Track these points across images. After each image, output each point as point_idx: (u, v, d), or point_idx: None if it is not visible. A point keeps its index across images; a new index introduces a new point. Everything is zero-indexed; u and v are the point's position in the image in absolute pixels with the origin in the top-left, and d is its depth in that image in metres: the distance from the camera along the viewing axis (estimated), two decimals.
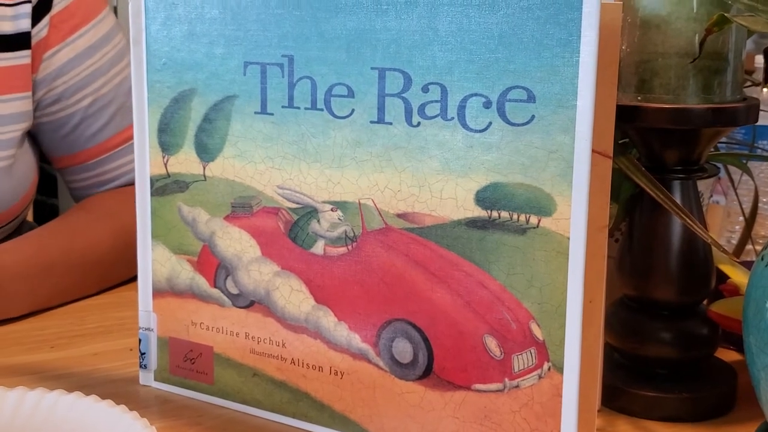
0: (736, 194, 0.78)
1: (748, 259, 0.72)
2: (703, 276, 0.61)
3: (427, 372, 0.53)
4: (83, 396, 0.51)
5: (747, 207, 0.71)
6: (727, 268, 0.69)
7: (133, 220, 0.83)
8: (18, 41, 0.83)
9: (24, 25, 0.83)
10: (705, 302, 0.63)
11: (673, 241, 0.60)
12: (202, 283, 0.60)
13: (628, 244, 0.62)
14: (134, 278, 0.84)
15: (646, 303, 0.61)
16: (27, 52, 0.84)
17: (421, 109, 0.51)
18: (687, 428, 0.59)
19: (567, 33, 0.47)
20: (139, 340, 0.63)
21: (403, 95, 0.51)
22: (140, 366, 0.63)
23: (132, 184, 0.92)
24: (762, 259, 0.50)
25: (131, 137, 0.90)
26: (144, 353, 0.63)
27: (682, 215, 0.54)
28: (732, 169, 0.77)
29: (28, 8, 0.84)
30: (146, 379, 0.64)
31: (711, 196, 0.89)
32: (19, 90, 0.84)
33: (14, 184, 0.85)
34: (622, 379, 0.61)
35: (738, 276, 0.68)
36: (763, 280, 0.49)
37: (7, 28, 0.83)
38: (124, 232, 0.83)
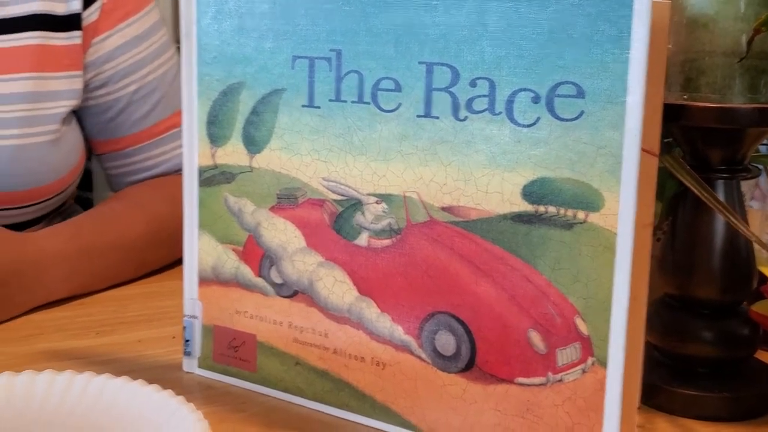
0: None
1: None
2: (745, 275, 0.61)
3: (470, 365, 0.54)
4: (130, 380, 0.52)
5: None
6: (767, 270, 0.69)
7: (165, 207, 0.85)
8: (70, 22, 0.87)
9: (75, 6, 0.87)
10: (745, 303, 0.63)
11: (716, 240, 0.60)
12: (247, 272, 0.61)
13: (670, 242, 0.62)
14: (173, 267, 0.86)
15: (688, 302, 0.61)
16: (78, 33, 0.87)
17: (469, 103, 0.51)
18: (726, 428, 0.59)
19: (618, 30, 0.47)
20: (184, 328, 0.64)
21: (451, 89, 0.52)
22: (184, 353, 0.64)
23: (170, 173, 0.94)
24: None
25: (174, 125, 0.93)
26: (188, 340, 0.64)
27: (727, 214, 0.55)
28: None
29: None
30: (190, 365, 0.65)
31: (752, 198, 0.89)
32: (71, 68, 0.87)
33: (61, 157, 0.88)
34: (662, 378, 0.61)
35: None
36: None
37: (60, 9, 0.86)
38: (157, 218, 0.85)
